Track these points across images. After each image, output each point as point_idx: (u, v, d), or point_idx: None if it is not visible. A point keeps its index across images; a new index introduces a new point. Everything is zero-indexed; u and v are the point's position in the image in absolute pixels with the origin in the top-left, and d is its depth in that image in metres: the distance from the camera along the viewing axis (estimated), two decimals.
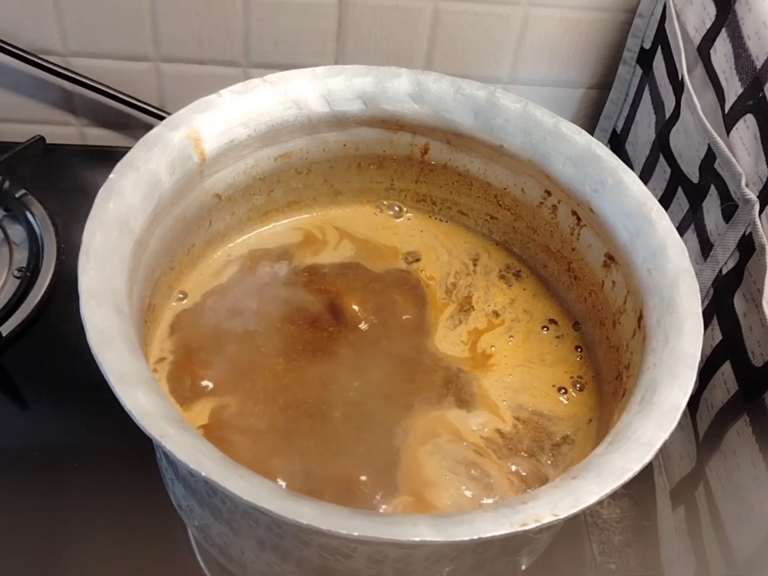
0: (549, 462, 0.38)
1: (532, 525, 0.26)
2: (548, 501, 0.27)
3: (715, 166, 0.43)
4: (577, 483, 0.28)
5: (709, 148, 0.44)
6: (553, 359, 0.43)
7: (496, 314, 0.44)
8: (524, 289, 0.46)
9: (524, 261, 0.47)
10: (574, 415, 0.40)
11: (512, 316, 0.44)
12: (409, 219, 0.48)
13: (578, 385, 0.41)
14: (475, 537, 0.26)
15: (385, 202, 0.48)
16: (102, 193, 0.35)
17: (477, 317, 0.44)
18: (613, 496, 0.50)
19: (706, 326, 0.41)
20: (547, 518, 0.27)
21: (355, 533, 0.26)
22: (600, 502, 0.48)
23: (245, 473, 0.27)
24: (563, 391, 0.41)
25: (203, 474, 0.27)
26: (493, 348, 0.43)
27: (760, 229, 0.38)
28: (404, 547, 0.30)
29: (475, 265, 0.46)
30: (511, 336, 0.43)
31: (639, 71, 0.58)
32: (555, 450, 0.39)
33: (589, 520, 0.48)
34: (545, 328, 0.44)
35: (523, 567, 0.36)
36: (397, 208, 0.48)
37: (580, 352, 0.43)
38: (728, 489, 0.39)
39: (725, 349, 0.41)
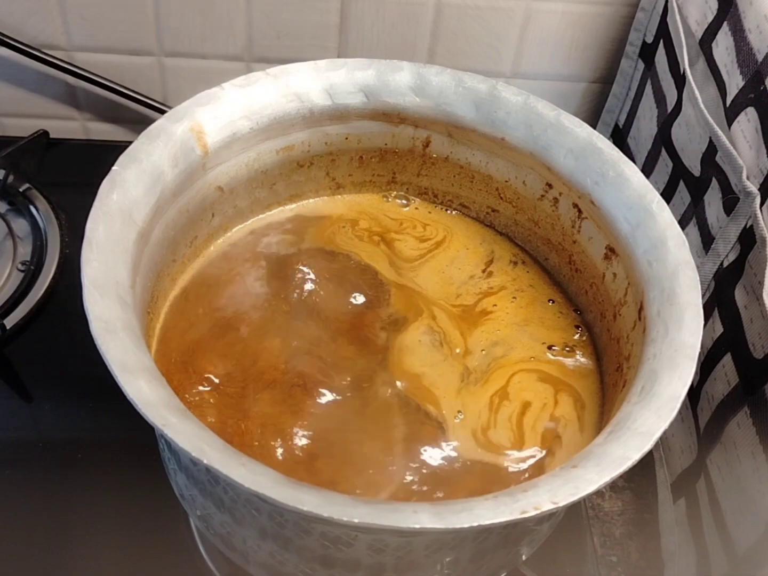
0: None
1: (532, 513, 0.27)
2: (548, 489, 0.28)
3: (717, 159, 0.43)
4: (577, 471, 0.28)
5: (711, 142, 0.44)
6: (552, 324, 0.43)
7: (491, 282, 0.45)
8: (527, 272, 0.46)
9: (526, 252, 0.47)
10: (570, 375, 0.41)
11: (516, 287, 0.45)
12: (416, 209, 0.48)
13: (567, 349, 0.41)
14: (475, 524, 0.26)
15: (393, 193, 0.48)
16: (105, 184, 0.35)
17: (474, 290, 0.44)
18: (615, 489, 0.50)
19: (707, 319, 0.41)
20: (547, 506, 0.27)
21: (356, 520, 0.26)
22: (601, 495, 0.49)
23: (247, 461, 0.27)
24: (553, 348, 0.41)
25: (205, 462, 0.27)
26: (495, 306, 0.43)
27: (761, 222, 0.38)
28: (405, 535, 0.30)
29: (488, 265, 0.46)
30: (514, 297, 0.44)
31: (641, 65, 0.58)
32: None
33: (591, 512, 0.49)
34: (551, 301, 0.44)
35: (524, 557, 0.37)
36: (404, 200, 0.48)
37: (580, 330, 0.43)
38: (729, 481, 0.40)
39: (726, 342, 0.41)
